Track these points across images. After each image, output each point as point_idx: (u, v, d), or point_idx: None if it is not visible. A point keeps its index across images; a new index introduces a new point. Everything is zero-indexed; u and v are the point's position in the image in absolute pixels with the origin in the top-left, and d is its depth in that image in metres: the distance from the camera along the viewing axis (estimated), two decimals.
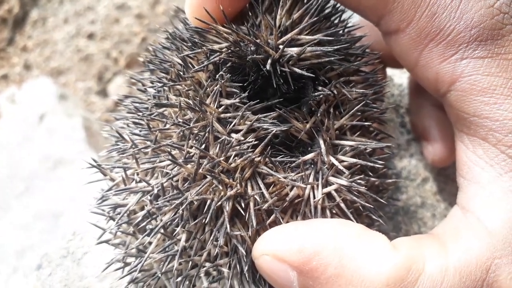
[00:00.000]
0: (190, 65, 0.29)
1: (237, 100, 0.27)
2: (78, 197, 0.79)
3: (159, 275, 0.28)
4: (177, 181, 0.27)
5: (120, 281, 0.37)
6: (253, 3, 0.28)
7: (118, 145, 0.32)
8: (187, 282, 0.28)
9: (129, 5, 1.07)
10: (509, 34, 0.23)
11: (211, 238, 0.27)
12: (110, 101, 0.99)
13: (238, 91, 0.28)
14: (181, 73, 0.29)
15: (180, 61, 0.30)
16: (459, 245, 0.23)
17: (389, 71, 0.44)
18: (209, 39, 0.29)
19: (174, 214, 0.27)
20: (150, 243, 0.29)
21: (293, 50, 0.27)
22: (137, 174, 0.29)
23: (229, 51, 0.28)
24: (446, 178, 0.41)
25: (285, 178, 0.26)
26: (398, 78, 0.46)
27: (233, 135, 0.27)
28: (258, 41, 0.27)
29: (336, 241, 0.24)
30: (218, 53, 0.28)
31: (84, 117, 0.88)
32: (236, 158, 0.26)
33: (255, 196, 0.26)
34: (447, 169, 0.41)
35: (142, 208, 0.29)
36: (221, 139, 0.27)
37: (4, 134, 0.88)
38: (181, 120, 0.28)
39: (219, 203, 0.26)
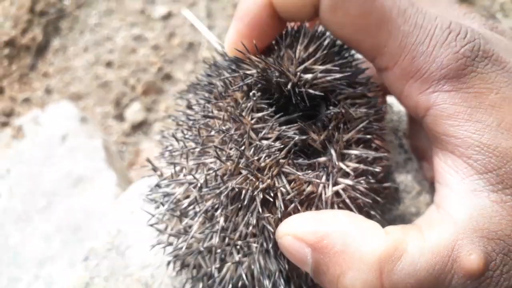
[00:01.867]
0: (229, 86, 0.36)
1: (266, 114, 0.34)
2: (97, 212, 0.84)
3: (201, 248, 0.34)
4: (218, 175, 0.34)
5: (158, 271, 0.42)
6: (277, 40, 0.36)
7: (168, 148, 0.38)
8: (220, 258, 0.34)
9: (146, 37, 1.16)
10: (469, 73, 0.29)
11: (244, 221, 0.33)
12: (127, 125, 1.05)
13: (266, 107, 0.35)
14: (222, 93, 0.36)
15: (221, 84, 0.37)
16: (433, 232, 0.29)
17: (390, 99, 0.51)
18: (243, 67, 0.36)
19: (215, 200, 0.34)
20: (190, 226, 0.35)
21: (308, 76, 0.34)
22: (185, 169, 0.36)
23: (259, 75, 0.35)
24: None
25: (303, 176, 0.33)
26: (397, 106, 0.53)
27: (264, 141, 0.34)
28: (281, 68, 0.34)
29: (342, 226, 0.30)
30: (250, 77, 0.35)
31: (104, 139, 0.95)
32: (266, 158, 0.33)
33: (281, 188, 0.32)
34: None
35: (187, 198, 0.35)
36: (254, 144, 0.33)
37: (27, 153, 0.94)
38: (223, 128, 0.34)
39: (253, 193, 0.32)
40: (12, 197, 0.89)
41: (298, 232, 0.31)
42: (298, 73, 0.34)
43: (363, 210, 0.36)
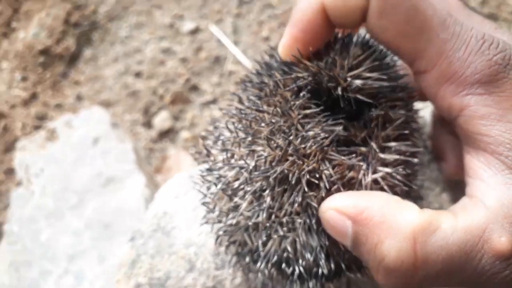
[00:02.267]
0: (280, 86, 0.39)
1: (313, 111, 0.38)
2: (126, 210, 0.88)
3: (250, 223, 0.37)
4: (267, 161, 0.37)
5: (201, 249, 0.46)
6: (327, 45, 0.39)
7: (220, 137, 0.42)
8: (266, 233, 0.38)
9: (174, 50, 1.21)
10: (501, 79, 0.32)
11: (289, 200, 0.36)
12: (154, 132, 1.10)
13: (313, 106, 0.38)
14: (272, 91, 0.40)
15: (272, 83, 0.40)
16: (466, 215, 0.32)
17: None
18: (295, 69, 0.39)
19: (263, 183, 0.37)
20: (239, 205, 0.38)
21: (357, 82, 0.38)
22: (236, 156, 0.39)
23: (310, 78, 0.39)
24: (458, 190, 0.51)
25: (346, 160, 0.37)
26: (421, 112, 0.57)
27: (309, 132, 0.37)
28: (332, 74, 0.38)
29: (381, 202, 0.33)
30: (302, 79, 0.38)
31: (133, 143, 0.99)
32: (311, 146, 0.37)
33: (325, 171, 0.36)
34: (459, 184, 0.51)
35: (237, 180, 0.39)
36: (300, 135, 0.37)
37: (60, 153, 0.99)
38: (273, 121, 0.38)
39: (300, 174, 0.36)
40: (45, 194, 0.93)
41: (340, 206, 0.34)
42: (349, 79, 0.37)
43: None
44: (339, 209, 0.33)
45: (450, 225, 0.31)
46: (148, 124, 1.11)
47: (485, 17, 0.38)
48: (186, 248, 0.45)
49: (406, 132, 0.39)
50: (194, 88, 1.14)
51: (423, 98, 0.47)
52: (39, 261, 0.86)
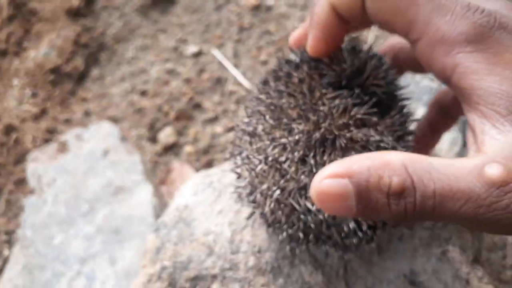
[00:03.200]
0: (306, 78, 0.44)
1: (338, 92, 0.43)
2: (135, 217, 0.94)
3: (300, 184, 0.41)
4: (304, 133, 0.41)
5: (219, 237, 0.52)
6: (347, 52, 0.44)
7: (256, 130, 0.45)
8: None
9: (178, 71, 1.30)
10: (487, 38, 0.33)
11: (330, 158, 0.40)
12: (159, 147, 1.17)
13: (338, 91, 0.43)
14: (301, 80, 0.44)
15: (299, 75, 0.44)
16: (461, 160, 0.33)
17: None
18: (320, 67, 0.44)
19: (306, 150, 0.40)
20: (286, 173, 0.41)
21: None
22: (276, 137, 0.43)
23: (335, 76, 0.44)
24: None
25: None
26: None
27: (336, 101, 0.42)
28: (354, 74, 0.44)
29: (367, 154, 0.33)
30: (328, 76, 0.43)
31: (141, 156, 1.06)
32: (338, 110, 0.42)
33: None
34: None
35: (282, 156, 0.41)
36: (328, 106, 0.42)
37: (72, 164, 1.05)
38: (301, 102, 0.43)
39: (335, 134, 0.40)
40: (57, 203, 0.99)
41: (332, 171, 0.32)
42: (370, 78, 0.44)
43: None
44: (332, 173, 0.31)
45: (443, 162, 0.31)
46: (153, 139, 1.18)
47: None
48: (205, 236, 0.52)
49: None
50: (197, 106, 1.22)
51: (417, 70, 0.51)
52: (52, 264, 0.91)
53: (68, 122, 1.25)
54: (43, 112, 1.26)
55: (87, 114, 1.26)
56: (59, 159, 1.07)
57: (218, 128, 1.18)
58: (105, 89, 1.30)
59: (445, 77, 0.36)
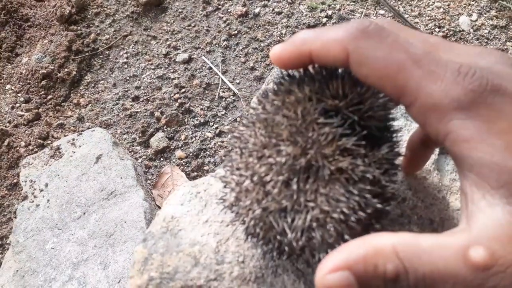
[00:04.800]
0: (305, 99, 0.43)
1: (329, 120, 0.42)
2: (127, 221, 0.96)
3: (281, 206, 0.41)
4: (291, 157, 0.41)
5: (204, 247, 0.55)
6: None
7: (247, 144, 0.45)
8: (292, 215, 0.41)
9: (169, 77, 1.32)
10: (479, 104, 0.32)
11: (313, 186, 0.40)
12: (150, 151, 1.19)
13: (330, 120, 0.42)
14: (297, 100, 0.43)
15: (299, 94, 0.43)
16: (448, 235, 0.33)
17: None
18: (324, 93, 0.42)
19: (290, 173, 0.40)
20: (269, 193, 0.41)
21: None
22: (264, 155, 0.43)
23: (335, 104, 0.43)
24: (418, 199, 0.61)
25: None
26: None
27: (325, 129, 0.41)
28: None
29: (358, 241, 0.33)
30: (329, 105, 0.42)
31: (133, 160, 1.08)
32: (327, 138, 0.41)
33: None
34: (419, 193, 0.61)
35: (268, 175, 0.42)
36: (317, 132, 0.41)
37: (64, 170, 1.07)
38: (291, 123, 0.42)
39: (321, 161, 0.40)
40: (50, 207, 1.01)
41: (333, 265, 0.33)
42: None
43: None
44: (333, 267, 0.33)
45: (431, 243, 0.32)
46: (145, 144, 1.20)
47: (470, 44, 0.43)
48: (191, 247, 0.54)
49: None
50: (188, 111, 1.24)
51: None
52: (44, 269, 0.93)
53: (61, 127, 1.26)
54: (36, 118, 1.28)
55: (80, 119, 1.28)
56: (52, 164, 1.09)
57: (208, 133, 1.20)
58: (98, 94, 1.32)
59: (439, 141, 0.36)
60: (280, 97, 0.45)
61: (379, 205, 0.40)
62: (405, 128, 0.66)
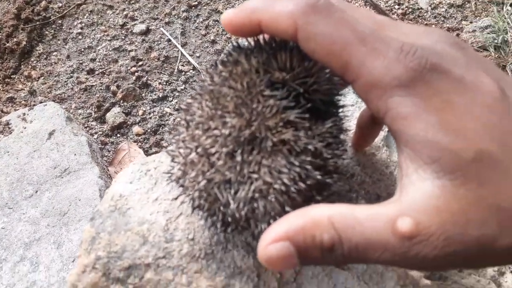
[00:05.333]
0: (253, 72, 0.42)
1: (275, 93, 0.41)
2: (81, 199, 0.94)
3: (225, 177, 0.41)
4: (236, 128, 0.41)
5: (153, 226, 0.54)
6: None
7: (194, 115, 0.44)
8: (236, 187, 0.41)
9: (126, 49, 1.27)
10: (417, 82, 0.34)
11: (257, 157, 0.40)
12: (106, 127, 1.16)
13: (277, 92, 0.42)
14: (244, 72, 0.43)
15: (246, 66, 0.43)
16: (381, 206, 0.35)
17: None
18: (271, 65, 0.43)
19: (235, 145, 0.40)
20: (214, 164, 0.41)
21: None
22: (210, 127, 0.42)
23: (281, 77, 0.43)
24: (366, 174, 0.62)
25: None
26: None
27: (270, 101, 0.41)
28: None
29: (299, 211, 0.35)
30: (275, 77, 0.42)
31: (87, 136, 1.05)
32: (272, 110, 0.41)
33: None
34: (367, 169, 0.62)
35: (213, 147, 0.41)
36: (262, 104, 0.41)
37: (15, 146, 1.03)
38: (237, 95, 0.42)
39: (265, 133, 0.40)
40: None
41: (274, 236, 0.34)
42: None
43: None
44: (274, 238, 0.34)
45: (365, 214, 0.33)
46: (100, 119, 1.17)
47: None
48: (139, 225, 0.53)
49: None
50: (145, 85, 1.21)
51: None
52: None
53: (11, 101, 1.21)
54: None
55: (32, 93, 1.22)
56: (1, 140, 1.04)
57: (167, 108, 1.17)
58: (51, 67, 1.27)
59: (380, 118, 0.37)
60: (227, 68, 0.44)
61: (319, 177, 0.40)
62: (357, 105, 0.66)
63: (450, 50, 0.36)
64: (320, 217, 0.34)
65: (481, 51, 1.25)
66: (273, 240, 0.34)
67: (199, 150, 0.43)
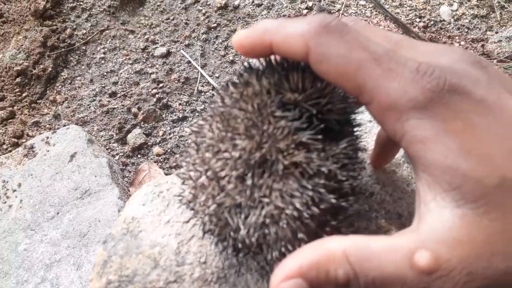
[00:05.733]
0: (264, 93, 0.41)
1: (286, 114, 0.40)
2: (101, 220, 0.94)
3: (235, 201, 0.39)
4: (246, 151, 0.39)
5: (164, 249, 0.53)
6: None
7: (204, 138, 0.43)
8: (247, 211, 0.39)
9: (147, 71, 1.29)
10: (436, 103, 0.32)
11: (268, 180, 0.39)
12: (128, 148, 1.17)
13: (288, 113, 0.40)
14: (255, 93, 0.41)
15: (257, 87, 0.42)
16: (398, 237, 0.33)
17: None
18: (283, 86, 0.41)
19: (245, 168, 0.39)
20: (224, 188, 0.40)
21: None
22: (221, 150, 0.41)
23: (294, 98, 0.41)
24: (386, 193, 0.60)
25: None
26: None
27: (281, 123, 0.40)
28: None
29: (310, 246, 0.34)
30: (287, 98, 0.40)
31: (108, 158, 1.06)
32: (283, 132, 0.39)
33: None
34: (387, 187, 0.60)
35: (223, 170, 0.40)
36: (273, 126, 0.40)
37: (38, 169, 1.05)
38: (248, 117, 0.40)
39: (276, 156, 0.38)
40: (22, 208, 0.99)
41: (286, 273, 0.33)
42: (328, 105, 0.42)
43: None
44: (287, 276, 0.33)
45: (380, 246, 0.32)
46: (122, 140, 1.18)
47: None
48: (151, 248, 0.52)
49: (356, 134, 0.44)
50: (166, 107, 1.22)
51: None
52: (16, 271, 0.91)
53: (36, 125, 1.24)
54: (10, 116, 1.25)
55: (56, 117, 1.25)
56: (25, 164, 1.06)
57: (187, 129, 1.18)
58: (75, 91, 1.30)
59: (396, 141, 0.35)
60: (238, 90, 0.43)
61: (333, 200, 0.38)
62: (374, 122, 0.64)
63: (470, 69, 0.34)
64: (334, 251, 0.32)
65: (507, 61, 1.21)
66: (286, 277, 0.33)
67: (209, 173, 0.42)
